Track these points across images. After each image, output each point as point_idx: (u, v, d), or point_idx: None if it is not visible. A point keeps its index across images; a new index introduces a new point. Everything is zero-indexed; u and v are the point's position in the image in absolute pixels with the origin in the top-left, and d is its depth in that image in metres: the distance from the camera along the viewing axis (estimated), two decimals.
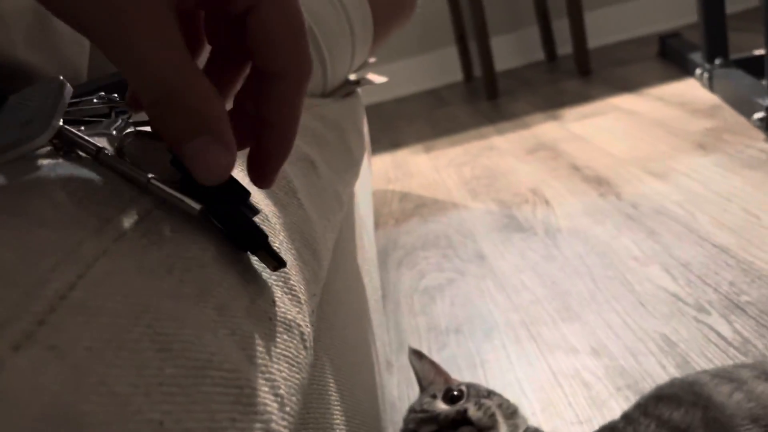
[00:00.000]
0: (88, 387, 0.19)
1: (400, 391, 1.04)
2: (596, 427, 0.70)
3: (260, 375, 0.28)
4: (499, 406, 0.67)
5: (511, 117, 2.67)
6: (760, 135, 1.69)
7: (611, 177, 1.72)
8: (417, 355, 0.83)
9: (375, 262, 1.18)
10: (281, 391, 0.30)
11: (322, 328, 0.51)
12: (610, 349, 1.00)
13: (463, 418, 0.62)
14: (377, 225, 1.76)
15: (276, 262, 0.33)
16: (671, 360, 0.93)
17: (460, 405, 0.65)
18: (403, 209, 1.91)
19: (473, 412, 0.63)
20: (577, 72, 3.02)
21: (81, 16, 0.26)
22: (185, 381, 0.23)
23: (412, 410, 0.72)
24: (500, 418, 0.64)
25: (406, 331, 1.23)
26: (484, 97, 3.10)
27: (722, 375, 0.62)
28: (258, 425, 0.26)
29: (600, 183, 1.70)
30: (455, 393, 0.68)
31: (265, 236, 0.32)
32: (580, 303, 1.15)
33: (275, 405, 0.29)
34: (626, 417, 0.64)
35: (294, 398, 0.31)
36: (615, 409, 0.84)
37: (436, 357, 1.12)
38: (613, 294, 1.15)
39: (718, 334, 0.96)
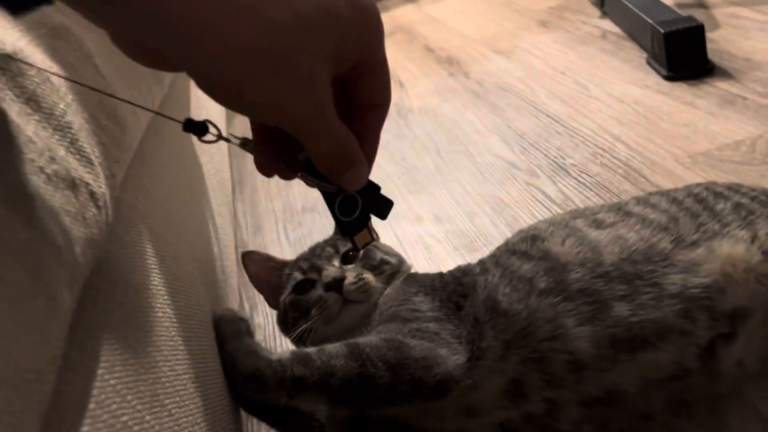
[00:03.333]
0: None
1: None
2: None
3: (29, 226, 0.28)
4: (381, 273, 0.70)
5: None
6: (596, 12, 1.79)
7: (461, 57, 1.77)
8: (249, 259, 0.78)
9: (223, 146, 1.16)
10: (58, 242, 0.30)
11: (139, 197, 0.50)
12: (451, 215, 1.07)
13: (337, 285, 0.66)
14: (232, 114, 1.71)
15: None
16: (503, 219, 1.02)
17: (343, 271, 0.67)
18: None
19: (348, 284, 0.66)
20: None
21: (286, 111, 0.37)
22: None
23: (314, 248, 0.74)
24: (374, 295, 0.67)
25: (263, 214, 1.24)
26: None
27: (558, 223, 0.69)
28: (23, 272, 0.26)
29: (451, 63, 1.75)
30: (352, 254, 0.71)
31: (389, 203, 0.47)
32: (426, 176, 1.21)
33: (50, 254, 0.29)
34: (481, 263, 0.70)
35: (77, 249, 0.31)
36: (452, 266, 0.92)
37: (291, 235, 1.15)
38: (456, 166, 1.22)
39: (544, 193, 1.06)
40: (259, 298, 0.91)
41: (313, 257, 0.72)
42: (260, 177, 1.41)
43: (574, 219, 0.69)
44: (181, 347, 0.46)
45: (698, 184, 0.73)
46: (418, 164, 1.26)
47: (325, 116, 0.38)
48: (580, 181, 1.06)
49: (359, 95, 0.43)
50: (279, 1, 0.34)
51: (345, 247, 0.73)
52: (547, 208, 1.02)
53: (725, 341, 0.60)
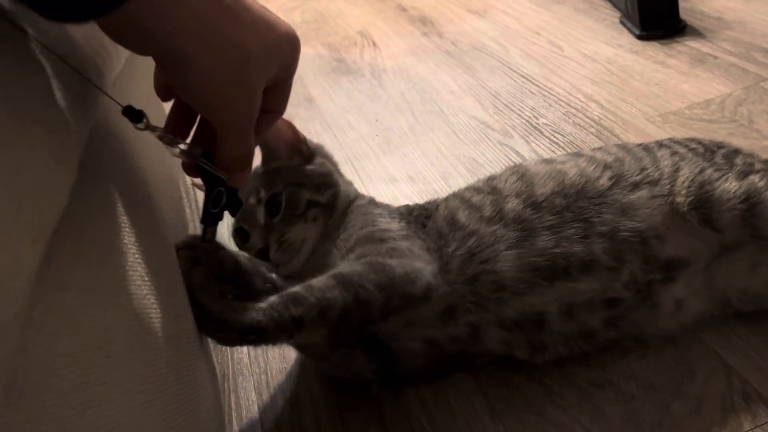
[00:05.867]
0: None
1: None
2: None
3: None
4: (311, 218, 0.70)
5: None
6: None
7: (435, 16, 1.75)
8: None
9: None
10: (20, 199, 0.29)
11: (104, 156, 0.49)
12: (425, 175, 1.07)
13: (264, 255, 0.68)
14: None
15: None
16: (476, 179, 1.02)
17: (265, 238, 0.68)
18: None
19: (273, 252, 0.67)
20: None
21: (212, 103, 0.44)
22: None
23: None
24: (304, 246, 0.69)
25: None
26: None
27: (514, 170, 0.72)
28: None
29: (424, 23, 1.72)
30: (276, 201, 0.69)
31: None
32: (400, 137, 1.21)
33: (11, 211, 0.28)
34: (445, 198, 0.74)
35: (38, 206, 0.30)
36: None
37: None
38: (430, 126, 1.21)
39: (517, 153, 1.06)
40: None
41: (245, 203, 0.70)
42: None
43: (533, 162, 0.74)
44: (154, 306, 0.45)
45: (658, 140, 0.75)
46: (392, 125, 1.26)
47: (251, 127, 0.47)
48: (553, 141, 1.07)
49: (264, 103, 0.48)
50: (255, 33, 0.43)
51: (268, 191, 0.70)
52: None
53: (662, 283, 0.63)
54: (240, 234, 0.72)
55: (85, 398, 0.32)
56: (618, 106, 1.12)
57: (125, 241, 0.45)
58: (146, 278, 0.47)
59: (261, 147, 0.71)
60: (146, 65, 0.51)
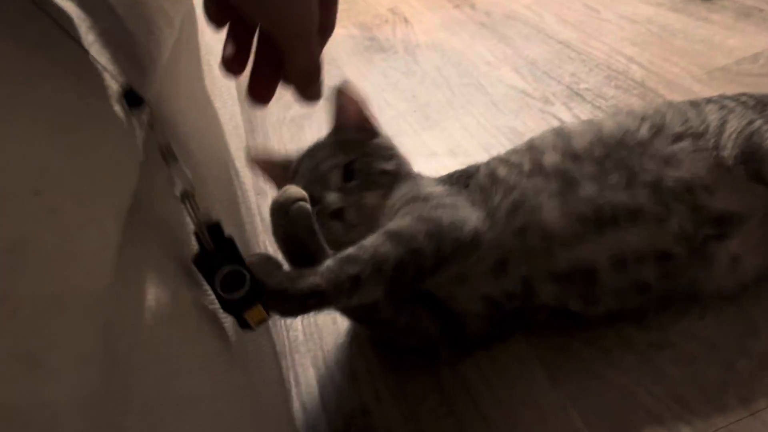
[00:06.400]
0: None
1: None
2: None
3: (70, 157, 0.29)
4: (381, 186, 0.70)
5: None
6: None
7: None
8: (253, 159, 0.80)
9: (233, 92, 1.15)
10: (101, 174, 0.30)
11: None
12: (466, 148, 1.06)
13: (339, 215, 0.67)
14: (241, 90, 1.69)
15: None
16: None
17: (343, 199, 0.68)
18: None
19: (350, 214, 0.67)
20: None
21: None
22: None
23: (316, 155, 0.73)
24: (375, 215, 0.68)
25: None
26: None
27: (550, 130, 0.73)
28: (71, 202, 0.27)
29: None
30: (351, 170, 0.70)
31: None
32: (438, 112, 1.20)
33: (95, 186, 0.29)
34: (486, 162, 0.74)
35: (119, 182, 0.32)
36: None
37: None
38: (468, 99, 1.20)
39: (560, 120, 1.05)
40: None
41: (316, 170, 0.71)
42: (271, 125, 1.40)
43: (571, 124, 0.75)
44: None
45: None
46: (430, 100, 1.25)
47: (315, 37, 0.46)
48: (595, 105, 1.05)
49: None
50: None
51: (345, 156, 0.71)
52: None
53: (717, 239, 0.62)
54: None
55: (168, 369, 0.34)
56: (661, 66, 1.09)
57: (187, 220, 0.47)
58: None
59: (336, 115, 0.75)
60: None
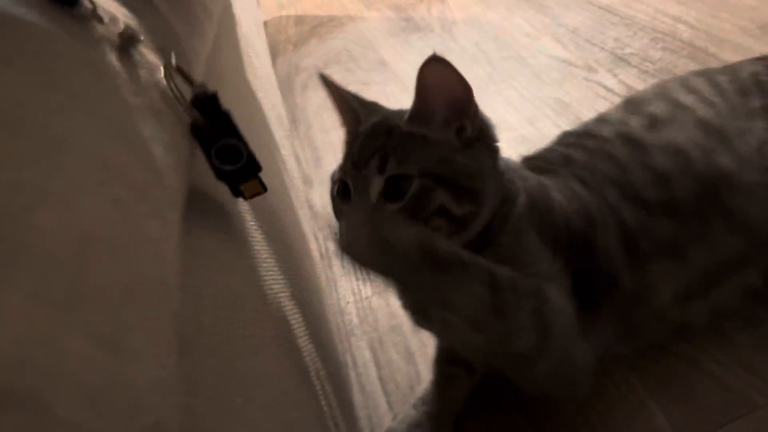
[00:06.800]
0: None
1: (323, 201, 1.09)
2: None
3: (130, 152, 0.29)
4: (434, 227, 0.52)
5: None
6: None
7: None
8: (324, 81, 0.63)
9: (273, 83, 1.16)
10: (158, 167, 0.31)
11: None
12: (510, 122, 1.05)
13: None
14: (276, 52, 1.70)
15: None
16: (565, 119, 1.00)
17: (358, 218, 0.51)
18: (300, 32, 1.84)
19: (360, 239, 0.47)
20: None
21: None
22: (40, 152, 0.24)
23: (365, 141, 0.55)
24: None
25: (320, 147, 1.25)
26: None
27: (601, 119, 0.69)
28: (133, 193, 0.27)
29: None
30: (400, 187, 0.51)
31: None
32: (479, 87, 1.18)
33: (153, 178, 0.30)
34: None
35: (173, 175, 0.32)
36: None
37: None
38: (509, 72, 1.19)
39: (606, 87, 1.02)
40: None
41: (362, 153, 0.54)
42: (312, 112, 1.41)
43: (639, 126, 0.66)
44: (274, 268, 0.47)
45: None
46: (469, 76, 1.21)
47: None
48: (642, 70, 1.02)
49: None
50: None
51: (397, 165, 0.52)
52: (611, 102, 0.98)
53: None
54: (341, 188, 0.55)
55: (233, 351, 0.35)
56: (710, 24, 1.05)
57: (239, 208, 0.48)
58: (263, 242, 0.49)
59: (415, 96, 0.53)
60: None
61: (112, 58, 0.35)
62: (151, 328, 0.23)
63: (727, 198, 0.58)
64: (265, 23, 1.84)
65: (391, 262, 0.43)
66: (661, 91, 0.67)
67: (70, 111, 0.28)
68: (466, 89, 0.55)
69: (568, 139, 0.68)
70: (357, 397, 0.71)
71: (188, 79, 0.41)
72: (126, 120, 0.31)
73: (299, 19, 1.95)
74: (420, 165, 0.51)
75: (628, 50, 1.08)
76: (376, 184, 0.52)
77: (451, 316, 0.46)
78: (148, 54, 0.39)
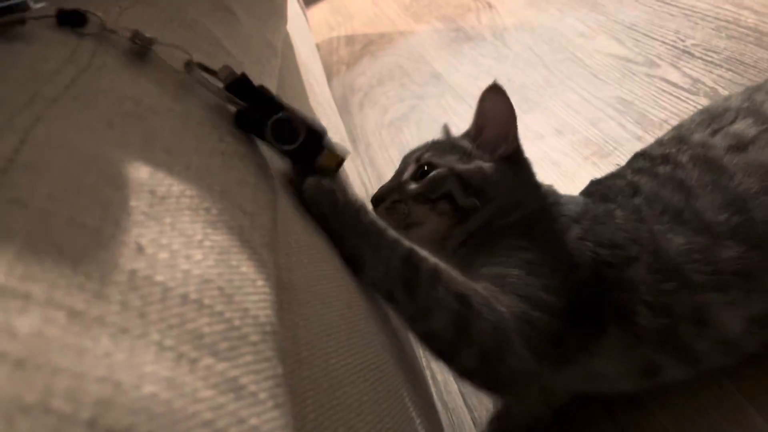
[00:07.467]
0: (58, 225, 0.22)
1: None
2: None
3: (223, 199, 0.31)
4: (439, 211, 0.63)
5: None
6: None
7: None
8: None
9: (332, 106, 1.19)
10: (249, 209, 0.32)
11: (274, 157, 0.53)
12: (572, 126, 1.03)
13: (377, 203, 0.65)
14: (330, 74, 1.73)
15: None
16: (629, 118, 0.97)
17: (387, 191, 0.65)
18: (352, 52, 1.87)
19: (380, 209, 0.64)
20: None
21: None
22: (150, 210, 0.26)
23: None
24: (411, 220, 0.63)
25: (381, 165, 1.26)
26: None
27: (680, 138, 0.63)
28: (230, 236, 0.29)
29: None
30: (425, 171, 0.64)
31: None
32: (537, 92, 1.18)
33: (247, 221, 0.32)
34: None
35: (264, 215, 0.34)
36: (584, 178, 0.89)
37: None
38: (566, 75, 1.17)
39: (669, 82, 0.99)
40: None
41: (412, 154, 0.70)
42: (370, 131, 1.43)
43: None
44: (359, 292, 0.48)
45: None
46: (526, 81, 1.22)
47: None
48: (707, 60, 0.99)
49: None
50: None
51: (430, 158, 0.65)
52: (676, 97, 0.96)
53: None
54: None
55: (333, 381, 0.36)
56: None
57: (321, 238, 0.49)
58: (346, 268, 0.50)
59: (474, 120, 0.68)
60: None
61: (197, 107, 0.36)
62: (264, 369, 0.24)
63: None
64: (317, 46, 1.88)
65: (332, 212, 0.49)
66: (749, 106, 0.60)
67: (167, 166, 0.29)
68: (513, 121, 0.67)
69: (639, 164, 0.64)
70: (443, 417, 0.71)
71: (210, 71, 0.40)
72: (217, 167, 0.32)
73: (350, 39, 1.98)
74: (447, 160, 0.64)
75: (690, 42, 1.05)
76: (411, 168, 0.66)
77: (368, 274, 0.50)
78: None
